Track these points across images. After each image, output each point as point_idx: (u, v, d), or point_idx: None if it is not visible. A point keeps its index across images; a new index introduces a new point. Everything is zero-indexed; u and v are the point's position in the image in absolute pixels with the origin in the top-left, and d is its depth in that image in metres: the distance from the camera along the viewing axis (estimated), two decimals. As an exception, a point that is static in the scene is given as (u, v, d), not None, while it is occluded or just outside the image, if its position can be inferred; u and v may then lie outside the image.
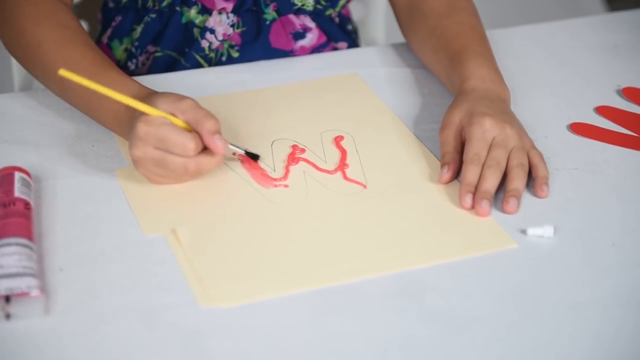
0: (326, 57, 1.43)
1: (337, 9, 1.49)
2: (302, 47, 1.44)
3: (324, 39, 1.45)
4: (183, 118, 1.12)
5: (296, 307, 1.00)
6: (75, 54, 1.22)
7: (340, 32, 1.49)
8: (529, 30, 1.52)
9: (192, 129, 1.12)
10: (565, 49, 1.46)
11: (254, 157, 1.18)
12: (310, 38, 1.44)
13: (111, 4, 1.47)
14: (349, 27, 1.54)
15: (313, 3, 1.43)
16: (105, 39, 1.47)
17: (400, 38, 1.46)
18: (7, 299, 0.96)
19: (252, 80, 1.36)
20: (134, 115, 1.12)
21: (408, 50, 1.43)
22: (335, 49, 1.49)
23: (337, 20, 1.50)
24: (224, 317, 0.98)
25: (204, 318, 0.98)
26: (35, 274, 0.99)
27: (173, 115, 1.11)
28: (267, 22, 1.41)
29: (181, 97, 1.13)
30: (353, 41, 1.53)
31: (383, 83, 1.36)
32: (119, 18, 1.45)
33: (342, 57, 1.43)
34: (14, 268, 0.98)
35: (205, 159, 1.12)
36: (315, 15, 1.46)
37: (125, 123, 1.15)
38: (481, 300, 1.01)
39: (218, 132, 1.11)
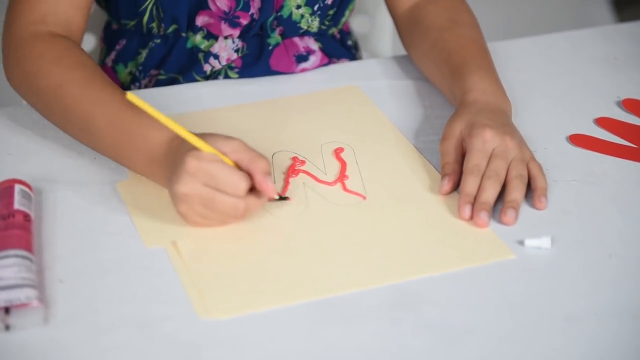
0: (327, 70, 1.43)
1: (339, 26, 1.49)
2: (303, 70, 1.44)
3: (325, 60, 1.46)
4: (234, 157, 1.09)
5: (294, 318, 1.00)
6: (102, 94, 1.18)
7: (341, 49, 1.50)
8: (529, 42, 1.52)
9: (241, 169, 1.09)
10: (566, 60, 1.47)
11: (283, 199, 1.16)
12: (313, 60, 1.44)
13: (115, 26, 1.45)
14: (349, 42, 1.54)
15: (318, 25, 1.44)
16: (109, 62, 1.46)
17: (399, 44, 1.47)
18: (7, 310, 0.97)
19: (253, 93, 1.37)
20: (178, 152, 1.09)
21: (408, 62, 1.44)
22: None
23: (338, 36, 1.51)
24: (222, 329, 0.98)
25: (202, 330, 0.98)
26: (35, 285, 0.99)
27: (223, 153, 1.09)
28: (270, 47, 1.41)
29: (230, 137, 1.10)
30: (353, 55, 1.54)
31: (383, 95, 1.37)
32: (123, 42, 1.45)
33: (342, 70, 1.44)
34: (13, 280, 0.99)
35: (254, 200, 1.09)
36: (319, 35, 1.46)
37: (162, 161, 1.12)
38: (478, 311, 1.01)
39: (269, 173, 1.09)
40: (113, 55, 1.46)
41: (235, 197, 1.08)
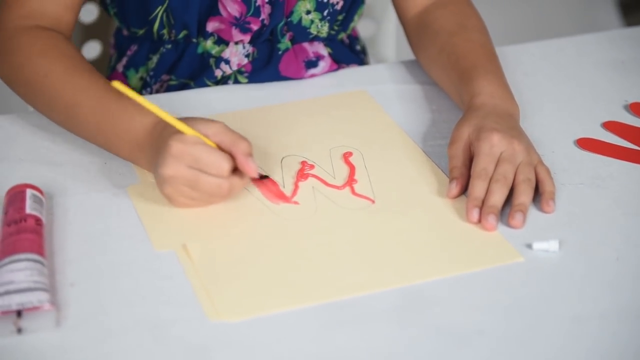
0: (335, 75, 1.44)
1: (348, 31, 1.50)
2: (312, 75, 1.44)
3: (334, 66, 1.46)
4: (216, 139, 1.12)
5: (303, 321, 1.01)
6: (83, 82, 1.22)
7: (350, 54, 1.50)
8: (537, 46, 1.53)
9: (224, 151, 1.12)
10: (573, 65, 1.48)
11: (262, 177, 1.19)
12: (322, 66, 1.45)
13: (125, 32, 1.47)
14: (357, 47, 1.55)
15: (327, 30, 1.44)
16: (120, 68, 1.48)
17: (410, 55, 1.47)
18: (19, 313, 0.97)
19: (262, 98, 1.37)
20: (161, 137, 1.12)
21: (416, 67, 1.45)
22: None
23: (346, 41, 1.52)
24: (231, 332, 0.99)
25: (212, 332, 0.99)
26: (47, 288, 1.00)
27: (206, 136, 1.12)
28: (280, 52, 1.42)
29: (212, 120, 1.13)
30: (361, 60, 1.54)
31: (391, 100, 1.37)
32: (134, 47, 1.46)
33: (351, 75, 1.44)
34: (25, 283, 0.99)
35: (237, 180, 1.12)
36: (329, 41, 1.47)
37: (145, 146, 1.16)
38: (486, 313, 1.02)
39: (251, 154, 1.12)
40: (124, 61, 1.47)
41: (219, 178, 1.11)
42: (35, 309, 0.98)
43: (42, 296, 0.99)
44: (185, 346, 0.97)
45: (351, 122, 1.33)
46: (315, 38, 1.44)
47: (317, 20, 1.42)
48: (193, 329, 0.99)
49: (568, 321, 1.01)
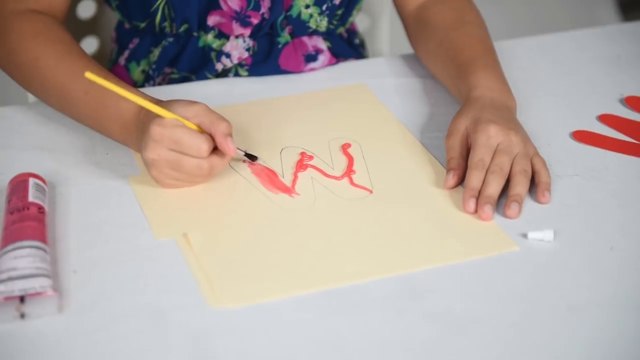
0: (335, 68, 1.46)
1: (347, 26, 1.51)
2: (311, 69, 1.46)
3: (333, 61, 1.48)
4: (196, 121, 1.14)
5: (302, 308, 1.02)
6: (74, 67, 1.24)
7: (349, 48, 1.52)
8: (534, 41, 1.54)
9: (203, 132, 1.14)
10: (570, 59, 1.49)
11: (252, 158, 1.21)
12: (322, 60, 1.46)
13: (127, 25, 1.48)
14: (356, 40, 1.57)
15: (327, 24, 1.46)
16: (122, 61, 1.49)
17: (404, 48, 1.49)
18: (22, 299, 0.99)
19: (263, 91, 1.39)
20: (145, 120, 1.15)
21: (414, 60, 1.46)
22: None
23: (345, 35, 1.53)
24: (232, 318, 1.01)
25: (212, 319, 1.00)
26: (49, 274, 1.02)
27: (187, 119, 1.14)
28: (279, 46, 1.44)
29: (193, 102, 1.15)
30: (360, 54, 1.56)
31: (390, 93, 1.39)
32: (136, 40, 1.48)
33: (350, 68, 1.46)
34: (28, 269, 1.01)
35: (217, 160, 1.15)
36: (328, 35, 1.48)
37: (132, 129, 1.18)
38: (482, 301, 1.03)
39: (230, 134, 1.14)
40: (126, 54, 1.48)
41: (199, 159, 1.13)
42: (37, 294, 0.99)
43: (45, 282, 1.00)
44: (186, 332, 0.99)
45: (350, 114, 1.34)
46: (314, 32, 1.45)
47: (315, 15, 1.43)
48: (194, 315, 1.01)
49: (563, 309, 1.02)
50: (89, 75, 1.12)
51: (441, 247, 1.10)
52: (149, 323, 1.00)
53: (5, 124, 1.29)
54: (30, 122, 1.29)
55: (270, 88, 1.40)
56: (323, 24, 1.45)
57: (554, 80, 1.43)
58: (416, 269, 1.07)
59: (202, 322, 1.00)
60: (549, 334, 1.00)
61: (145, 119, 1.15)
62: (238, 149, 1.19)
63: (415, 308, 1.02)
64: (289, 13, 1.41)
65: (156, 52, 1.45)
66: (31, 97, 1.55)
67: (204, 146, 1.13)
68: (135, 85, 1.47)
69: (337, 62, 1.48)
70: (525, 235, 1.11)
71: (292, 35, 1.44)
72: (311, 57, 1.46)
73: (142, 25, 1.44)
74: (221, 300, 1.02)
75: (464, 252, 1.10)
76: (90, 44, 1.65)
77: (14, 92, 1.47)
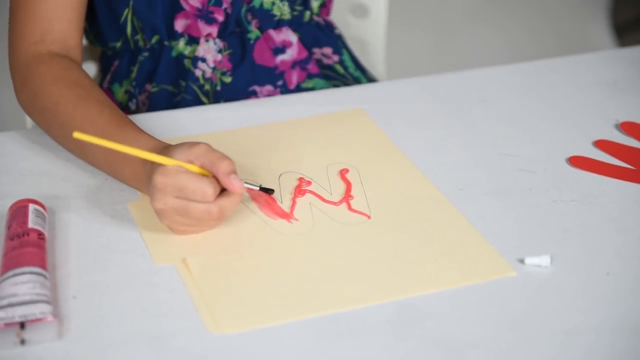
0: (332, 93, 1.46)
1: (315, 11, 1.53)
2: (282, 62, 1.48)
3: (304, 53, 1.49)
4: (198, 163, 1.12)
5: (301, 333, 1.03)
6: (92, 112, 1.23)
7: (325, 37, 1.54)
8: (530, 66, 1.55)
9: (209, 173, 1.13)
10: (566, 84, 1.50)
11: (268, 191, 1.21)
12: (290, 53, 1.50)
13: (109, 52, 1.51)
14: (337, 31, 1.59)
15: (289, 10, 1.48)
16: (105, 84, 1.51)
17: (401, 72, 1.50)
18: (22, 325, 0.99)
19: (259, 116, 1.39)
20: (151, 170, 1.13)
21: (412, 87, 1.47)
22: (319, 59, 1.54)
23: (323, 24, 1.56)
24: (231, 343, 1.01)
25: (212, 344, 1.01)
26: (49, 300, 1.02)
27: (190, 162, 1.12)
28: (252, 42, 1.47)
29: (194, 143, 1.13)
30: (339, 47, 1.58)
31: (387, 118, 1.39)
32: (116, 62, 1.50)
33: (348, 93, 1.47)
34: (28, 295, 1.01)
35: (226, 201, 1.13)
36: (297, 25, 1.50)
37: (143, 179, 1.17)
38: (480, 326, 1.04)
39: (233, 172, 1.12)
40: (108, 77, 1.51)
41: (206, 203, 1.12)
42: (37, 320, 1.00)
43: (45, 308, 1.01)
44: (186, 357, 0.99)
45: (347, 139, 1.35)
46: (282, 22, 1.48)
47: (277, 1, 1.46)
48: (193, 340, 1.01)
49: (559, 334, 1.03)
50: (76, 134, 1.10)
51: (439, 272, 1.11)
52: (149, 348, 1.00)
53: (5, 150, 1.30)
54: (29, 148, 1.30)
55: (267, 113, 1.40)
56: (285, 10, 1.48)
57: (549, 106, 1.44)
58: (414, 294, 1.08)
59: (201, 347, 1.01)
60: (546, 357, 1.00)
61: (151, 166, 1.14)
62: (252, 183, 1.19)
63: (413, 333, 1.03)
64: (251, 4, 1.45)
65: (134, 69, 1.48)
66: (29, 123, 1.56)
67: (209, 190, 1.11)
68: (119, 106, 1.47)
69: (310, 54, 1.51)
70: (522, 261, 1.12)
71: (261, 29, 1.48)
72: (279, 50, 1.49)
73: (118, 44, 1.48)
74: (220, 325, 1.03)
75: (461, 277, 1.10)
76: (87, 69, 1.66)
77: (13, 118, 1.48)
